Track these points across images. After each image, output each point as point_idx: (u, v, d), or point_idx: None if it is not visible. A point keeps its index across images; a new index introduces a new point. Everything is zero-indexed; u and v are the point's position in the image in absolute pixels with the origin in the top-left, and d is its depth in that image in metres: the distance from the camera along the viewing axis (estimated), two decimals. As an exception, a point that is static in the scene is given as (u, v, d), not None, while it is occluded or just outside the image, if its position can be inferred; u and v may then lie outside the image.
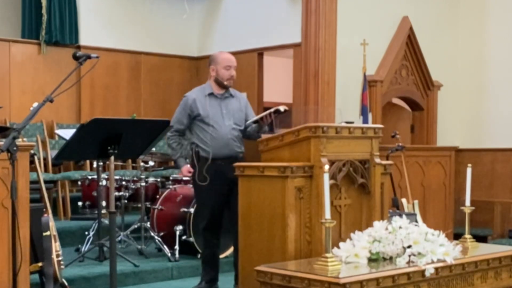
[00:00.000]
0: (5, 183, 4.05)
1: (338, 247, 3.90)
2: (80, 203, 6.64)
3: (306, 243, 4.23)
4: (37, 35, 8.30)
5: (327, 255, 3.66)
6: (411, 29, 8.24)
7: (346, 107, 7.53)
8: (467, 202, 4.55)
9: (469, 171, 4.57)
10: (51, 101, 3.65)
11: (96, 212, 6.12)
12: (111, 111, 8.63)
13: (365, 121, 7.49)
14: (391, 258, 3.90)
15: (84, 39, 8.50)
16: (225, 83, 5.17)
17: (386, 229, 3.99)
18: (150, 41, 9.08)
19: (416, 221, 4.77)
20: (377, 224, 4.04)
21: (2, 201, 4.08)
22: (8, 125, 7.44)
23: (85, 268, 5.56)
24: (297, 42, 7.83)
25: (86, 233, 6.18)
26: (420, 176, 7.77)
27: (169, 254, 6.02)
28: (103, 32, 8.68)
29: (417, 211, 6.61)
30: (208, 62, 5.26)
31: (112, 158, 3.81)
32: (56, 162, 7.71)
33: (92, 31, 8.58)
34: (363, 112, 7.54)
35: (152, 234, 6.23)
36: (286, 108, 5.10)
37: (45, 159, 7.60)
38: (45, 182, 5.43)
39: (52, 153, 7.65)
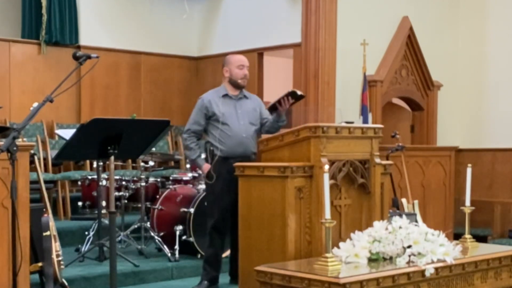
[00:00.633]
0: (5, 183, 4.05)
1: (338, 247, 3.90)
2: (80, 203, 6.64)
3: (306, 243, 4.23)
4: (37, 35, 8.29)
5: (327, 255, 3.66)
6: (411, 29, 8.24)
7: (346, 107, 7.53)
8: (467, 202, 4.56)
9: (469, 171, 4.58)
10: (51, 101, 3.65)
11: (96, 212, 6.12)
12: (111, 111, 8.62)
13: (365, 121, 7.49)
14: (391, 258, 3.91)
15: (84, 39, 8.50)
16: (239, 81, 5.28)
17: (386, 229, 3.99)
18: (150, 41, 9.08)
19: (416, 221, 4.77)
20: (377, 224, 4.05)
21: (2, 201, 4.08)
22: (8, 125, 7.43)
23: (85, 268, 5.56)
24: (297, 42, 7.82)
25: (86, 233, 6.17)
26: (420, 176, 7.77)
27: (169, 254, 6.02)
28: (103, 32, 8.68)
29: (417, 211, 6.61)
30: (222, 65, 5.38)
31: (112, 158, 3.81)
32: (56, 162, 7.71)
33: (92, 31, 8.58)
34: (363, 112, 7.54)
35: (152, 234, 6.23)
36: (303, 93, 5.11)
37: (45, 159, 7.60)
38: (45, 182, 5.43)
39: (52, 153, 7.64)
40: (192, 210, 6.07)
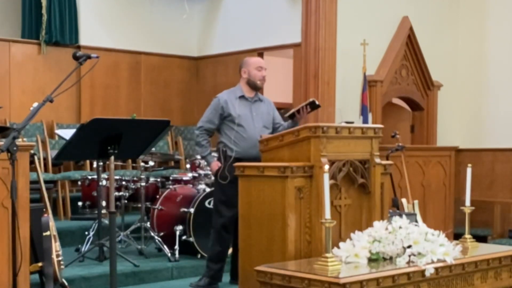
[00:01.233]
0: (5, 183, 4.05)
1: (338, 247, 3.90)
2: (80, 203, 6.64)
3: (306, 243, 4.23)
4: (37, 35, 8.29)
5: (327, 255, 3.66)
6: (411, 29, 8.24)
7: (346, 107, 7.53)
8: (467, 202, 4.55)
9: (469, 171, 4.57)
10: (51, 101, 3.65)
11: (96, 212, 6.12)
12: (111, 111, 8.63)
13: (365, 121, 7.49)
14: (391, 258, 3.90)
15: (84, 39, 8.50)
16: (258, 82, 5.36)
17: (386, 229, 3.99)
18: (150, 41, 9.08)
19: (416, 221, 4.77)
20: (377, 224, 4.04)
21: (2, 201, 4.08)
22: (8, 125, 7.44)
23: (85, 268, 5.56)
24: (297, 42, 7.83)
25: (86, 233, 6.17)
26: (420, 176, 7.78)
27: (169, 254, 6.02)
28: (103, 32, 8.68)
29: (417, 211, 6.61)
30: (239, 67, 5.44)
31: (112, 158, 3.81)
32: (56, 162, 7.72)
33: (92, 31, 8.58)
34: (363, 112, 7.54)
35: (152, 234, 6.23)
36: (320, 104, 5.29)
37: (45, 159, 7.60)
38: (45, 182, 5.42)
39: (52, 153, 7.64)
40: (192, 210, 6.07)
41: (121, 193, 6.36)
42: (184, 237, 6.11)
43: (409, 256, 3.85)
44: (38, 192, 4.93)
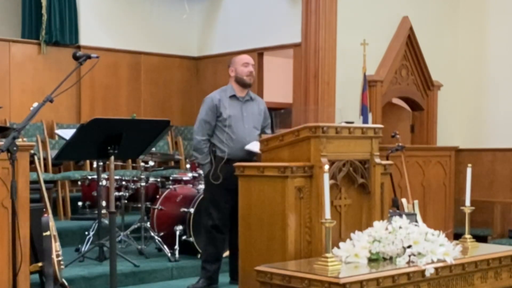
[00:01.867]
0: (5, 183, 4.05)
1: (338, 247, 3.90)
2: (80, 203, 6.65)
3: (306, 243, 4.23)
4: (37, 35, 8.29)
5: (327, 255, 3.66)
6: (411, 29, 8.24)
7: (346, 107, 7.53)
8: (467, 202, 4.55)
9: (469, 171, 4.57)
10: (51, 101, 3.65)
11: (96, 212, 6.12)
12: (111, 111, 8.63)
13: (365, 121, 7.49)
14: (391, 258, 3.90)
15: (84, 39, 8.50)
16: (245, 78, 5.29)
17: (386, 229, 3.99)
18: (150, 41, 9.08)
19: (416, 221, 4.77)
20: (377, 224, 4.04)
21: (2, 201, 4.08)
22: (8, 125, 7.44)
23: (85, 268, 5.56)
24: (297, 42, 7.83)
25: (86, 233, 6.17)
26: (420, 176, 7.77)
27: (169, 254, 6.02)
28: (103, 32, 8.68)
29: (417, 211, 6.61)
30: (228, 67, 5.40)
31: (112, 158, 3.81)
32: (56, 162, 7.71)
33: (92, 31, 8.58)
34: (363, 112, 7.54)
35: (152, 234, 6.23)
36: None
37: (45, 159, 7.60)
38: (45, 182, 5.43)
39: (52, 153, 7.64)
40: (192, 210, 6.07)
41: (121, 193, 6.36)
42: (184, 237, 6.11)
43: (409, 256, 3.85)
44: (38, 192, 4.92)
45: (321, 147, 4.21)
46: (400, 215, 4.19)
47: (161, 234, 6.21)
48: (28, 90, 8.10)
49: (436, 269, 3.81)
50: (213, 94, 5.35)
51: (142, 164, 6.51)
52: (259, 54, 8.70)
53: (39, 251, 4.58)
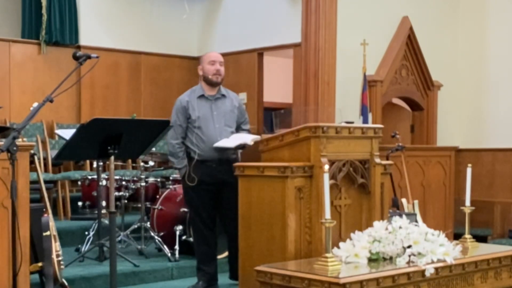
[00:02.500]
0: (5, 183, 4.05)
1: (338, 247, 3.90)
2: (80, 203, 6.64)
3: (306, 243, 4.23)
4: (37, 35, 8.29)
5: (327, 255, 3.66)
6: (411, 29, 8.24)
7: (346, 107, 7.53)
8: (467, 202, 4.55)
9: (469, 171, 4.58)
10: (51, 101, 3.65)
11: (96, 212, 6.12)
12: (111, 111, 8.62)
13: (365, 121, 7.49)
14: (391, 258, 3.91)
15: (84, 39, 8.50)
16: (210, 77, 5.17)
17: (386, 229, 3.99)
18: (150, 41, 9.07)
19: (416, 221, 4.77)
20: (377, 224, 4.04)
21: (2, 201, 4.08)
22: (8, 125, 7.43)
23: (85, 268, 5.56)
24: (297, 42, 7.82)
25: (86, 233, 6.17)
26: (420, 176, 7.77)
27: (169, 254, 6.02)
28: (103, 32, 8.68)
29: (417, 211, 6.61)
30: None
31: (112, 158, 3.81)
32: (56, 162, 7.71)
33: (92, 31, 8.58)
34: (363, 112, 7.54)
35: (152, 234, 6.23)
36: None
37: (45, 159, 7.60)
38: (45, 182, 5.43)
39: (52, 153, 7.64)
40: (192, 210, 6.06)
41: (121, 193, 6.36)
42: (184, 237, 6.11)
43: (409, 256, 3.85)
44: (38, 192, 4.92)
45: (321, 147, 4.21)
46: (400, 215, 4.20)
47: (161, 234, 6.21)
48: (28, 90, 8.09)
49: (436, 269, 3.81)
50: (182, 95, 5.27)
51: (142, 164, 6.51)
52: (259, 54, 8.71)
53: (39, 251, 4.58)
